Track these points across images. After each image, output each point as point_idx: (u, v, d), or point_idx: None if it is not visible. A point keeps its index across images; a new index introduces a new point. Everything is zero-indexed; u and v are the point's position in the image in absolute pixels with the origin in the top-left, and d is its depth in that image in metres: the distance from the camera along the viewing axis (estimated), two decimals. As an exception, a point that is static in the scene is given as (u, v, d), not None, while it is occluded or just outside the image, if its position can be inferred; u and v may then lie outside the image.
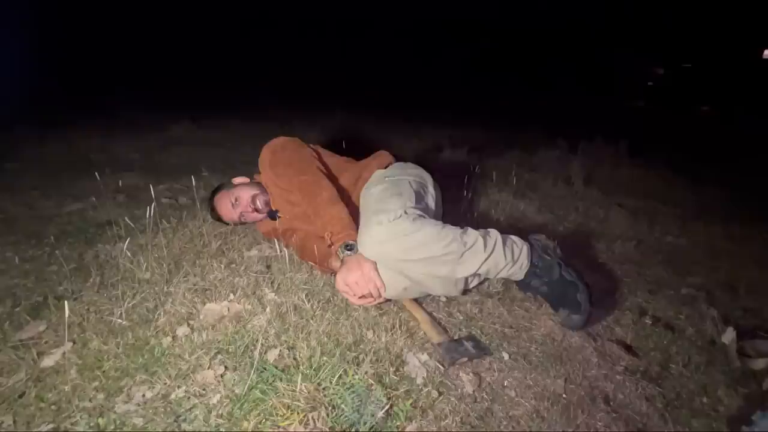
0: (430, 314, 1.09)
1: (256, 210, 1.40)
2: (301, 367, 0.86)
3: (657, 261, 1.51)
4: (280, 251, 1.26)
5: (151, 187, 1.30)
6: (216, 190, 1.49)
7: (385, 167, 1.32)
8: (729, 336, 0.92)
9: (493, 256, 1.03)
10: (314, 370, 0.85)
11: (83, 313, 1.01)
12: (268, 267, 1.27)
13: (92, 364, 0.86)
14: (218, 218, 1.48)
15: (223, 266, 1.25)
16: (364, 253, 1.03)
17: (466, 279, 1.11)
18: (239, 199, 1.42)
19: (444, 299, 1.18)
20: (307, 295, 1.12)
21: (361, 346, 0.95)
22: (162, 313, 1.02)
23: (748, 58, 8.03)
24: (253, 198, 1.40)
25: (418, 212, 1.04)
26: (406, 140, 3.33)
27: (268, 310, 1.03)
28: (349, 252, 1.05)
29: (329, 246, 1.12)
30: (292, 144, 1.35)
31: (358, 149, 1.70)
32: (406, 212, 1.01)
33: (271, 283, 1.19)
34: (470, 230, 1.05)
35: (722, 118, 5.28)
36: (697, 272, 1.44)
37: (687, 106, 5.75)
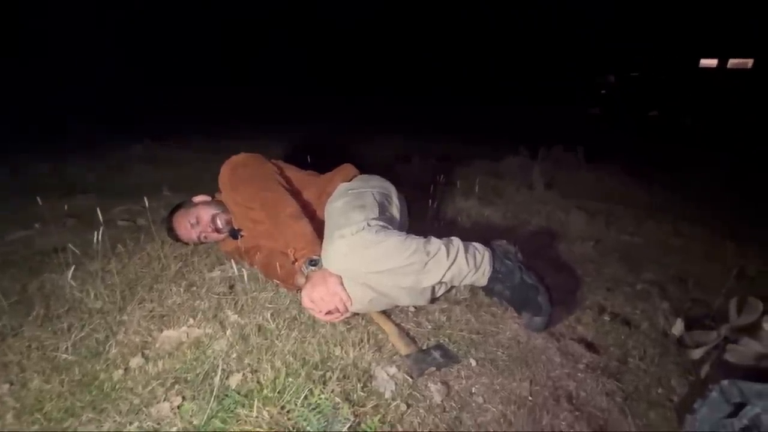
0: (398, 325, 1.08)
1: (217, 230, 1.36)
2: (264, 391, 0.83)
3: (614, 259, 1.58)
4: (240, 271, 1.22)
5: (98, 210, 1.23)
6: (174, 210, 1.43)
7: (350, 180, 1.32)
8: (678, 327, 0.97)
9: (456, 263, 1.05)
10: (278, 392, 0.82)
11: (23, 350, 0.93)
12: (231, 287, 1.23)
13: (32, 406, 0.79)
14: (176, 238, 1.41)
15: (182, 290, 1.19)
16: (329, 267, 1.01)
17: (433, 288, 1.12)
18: (199, 219, 1.37)
19: (413, 309, 1.18)
20: (272, 315, 1.09)
21: (329, 364, 0.93)
22: (113, 344, 0.96)
23: (688, 67, 8.77)
24: (213, 217, 1.36)
25: (381, 224, 1.04)
26: (373, 151, 3.35)
27: (228, 332, 0.99)
28: (313, 267, 1.04)
29: (293, 262, 1.10)
30: (253, 160, 1.33)
31: (323, 163, 1.69)
32: (368, 224, 1.01)
33: (234, 304, 1.14)
34: (433, 239, 1.06)
35: (669, 122, 5.69)
36: (650, 268, 1.52)
37: (637, 112, 6.16)
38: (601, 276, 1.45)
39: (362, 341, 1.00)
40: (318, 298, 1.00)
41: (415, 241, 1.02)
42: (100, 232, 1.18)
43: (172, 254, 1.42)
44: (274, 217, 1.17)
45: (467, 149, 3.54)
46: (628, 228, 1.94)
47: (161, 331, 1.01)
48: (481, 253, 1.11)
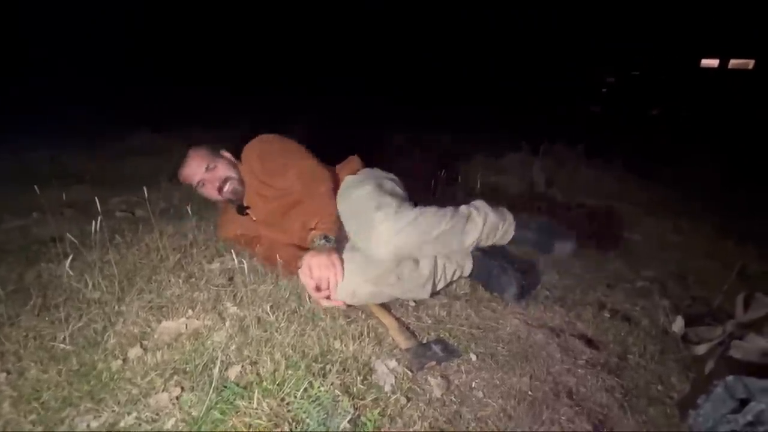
0: (398, 319, 1.08)
1: (220, 190, 1.33)
2: (264, 383, 0.83)
3: (614, 256, 1.58)
4: (240, 263, 1.21)
5: (97, 200, 1.22)
6: (200, 147, 1.41)
7: (355, 173, 1.34)
8: (678, 324, 0.97)
9: (488, 219, 1.16)
10: (278, 384, 0.82)
11: (20, 339, 0.92)
12: (231, 279, 1.22)
13: (29, 396, 0.79)
14: (180, 169, 1.38)
15: (181, 281, 1.18)
16: (378, 250, 1.07)
17: (434, 281, 1.13)
18: (215, 169, 1.33)
19: (413, 303, 1.18)
20: (271, 307, 1.08)
21: (328, 357, 0.92)
22: (111, 334, 0.95)
23: (689, 67, 8.75)
24: (226, 179, 1.33)
25: (409, 203, 1.16)
26: (375, 146, 3.34)
27: (228, 324, 0.98)
28: (324, 242, 1.09)
29: (311, 229, 1.12)
30: (285, 138, 1.38)
31: (325, 156, 1.68)
32: (402, 204, 1.12)
33: (234, 296, 1.14)
34: (459, 207, 1.18)
35: (669, 120, 5.68)
36: (650, 265, 1.52)
37: (638, 110, 6.16)
38: (601, 273, 1.45)
39: (362, 335, 1.00)
40: (315, 264, 1.04)
41: (448, 209, 1.13)
42: (98, 222, 1.17)
43: (171, 246, 1.41)
44: (309, 186, 1.21)
45: (468, 145, 3.53)
46: (628, 224, 1.94)
47: (160, 322, 1.00)
48: (501, 208, 1.23)
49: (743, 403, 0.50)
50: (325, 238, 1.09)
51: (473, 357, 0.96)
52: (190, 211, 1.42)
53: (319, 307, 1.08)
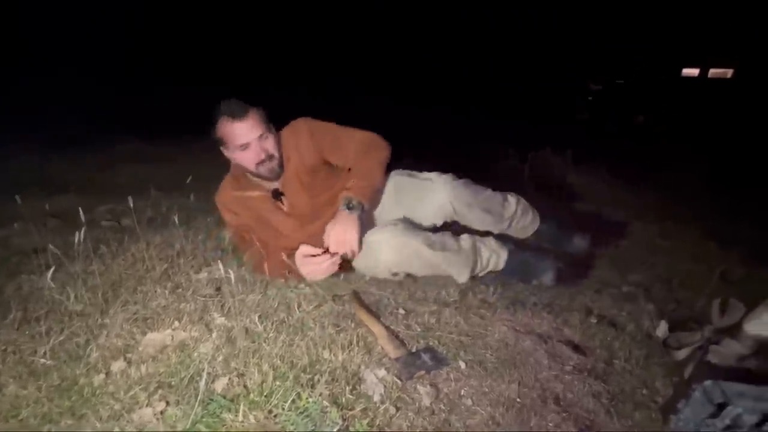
0: (387, 328, 1.08)
1: (257, 164, 1.22)
2: (251, 395, 0.82)
3: (602, 261, 1.61)
4: (228, 273, 1.20)
5: (80, 209, 1.20)
6: (258, 109, 1.24)
7: None
8: (662, 329, 0.98)
9: (521, 203, 1.35)
10: (265, 396, 0.81)
11: (-1, 354, 0.90)
12: (218, 289, 1.21)
13: (7, 413, 0.76)
14: (224, 117, 1.20)
15: (167, 292, 1.17)
16: (440, 198, 1.24)
17: (473, 264, 1.25)
18: (266, 140, 1.21)
19: (402, 312, 1.18)
20: (260, 317, 1.07)
21: (317, 367, 0.92)
22: (94, 347, 0.93)
23: (672, 76, 9.01)
24: (272, 156, 1.22)
25: None
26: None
27: (215, 335, 0.97)
28: (349, 209, 1.16)
29: (348, 189, 1.19)
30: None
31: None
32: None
33: (221, 306, 1.13)
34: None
35: (654, 127, 5.83)
36: (637, 270, 1.55)
37: (623, 117, 6.30)
38: (589, 278, 1.47)
39: (351, 344, 1.00)
40: (340, 229, 1.15)
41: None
42: (82, 232, 1.15)
43: (158, 256, 1.39)
44: (362, 153, 1.23)
45: (456, 151, 3.56)
46: (616, 229, 1.97)
47: (145, 334, 0.98)
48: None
49: (721, 407, 0.51)
50: (349, 204, 1.15)
51: (462, 365, 0.97)
52: (177, 221, 1.40)
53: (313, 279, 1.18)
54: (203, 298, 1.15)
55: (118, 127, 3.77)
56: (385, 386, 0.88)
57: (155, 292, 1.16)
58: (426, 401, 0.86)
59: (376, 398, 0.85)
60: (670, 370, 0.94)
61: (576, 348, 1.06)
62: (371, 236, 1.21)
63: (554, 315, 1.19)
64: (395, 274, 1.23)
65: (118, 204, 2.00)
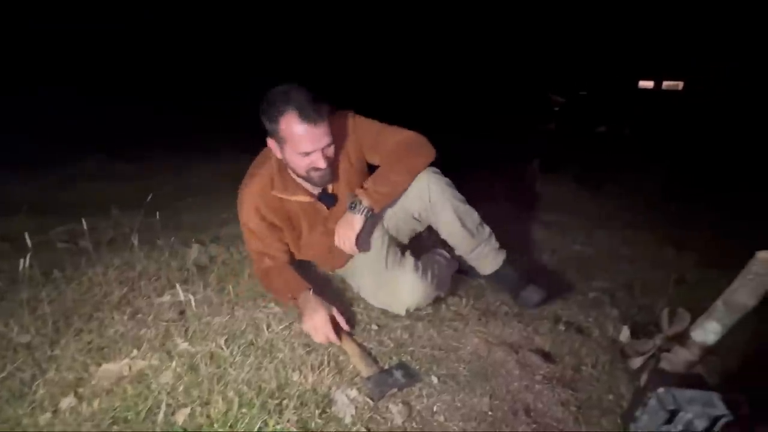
0: (360, 345, 1.06)
1: (312, 170, 1.07)
2: (215, 425, 0.78)
3: (568, 268, 1.66)
4: (193, 295, 1.16)
5: (26, 233, 1.13)
6: (324, 107, 1.04)
7: None
8: (624, 334, 1.02)
9: (493, 236, 1.28)
10: (230, 426, 0.77)
11: (-71, 397, 0.82)
12: (182, 313, 1.15)
13: (-65, 464, 0.69)
14: (296, 112, 0.99)
15: (126, 318, 1.10)
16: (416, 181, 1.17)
17: (474, 229, 1.23)
18: (330, 148, 1.06)
19: (375, 327, 1.17)
20: (226, 341, 1.03)
21: (286, 391, 0.89)
22: (41, 383, 0.86)
23: (629, 87, 9.61)
24: (332, 161, 1.10)
25: None
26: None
27: (176, 363, 0.92)
28: (353, 207, 1.11)
29: (361, 187, 1.13)
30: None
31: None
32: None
33: (185, 330, 1.08)
34: None
35: (614, 137, 6.16)
36: (601, 276, 1.60)
37: (587, 127, 6.63)
38: (556, 285, 1.51)
39: (322, 364, 0.97)
40: (340, 229, 1.13)
41: None
42: (27, 257, 1.07)
43: (117, 279, 1.32)
44: (399, 156, 1.14)
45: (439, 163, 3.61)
46: (581, 238, 2.05)
47: (99, 365, 0.92)
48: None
49: (674, 413, 0.53)
50: (353, 205, 1.10)
51: (435, 380, 0.96)
52: (137, 241, 1.34)
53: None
54: (165, 323, 1.09)
55: (77, 145, 3.59)
56: (356, 407, 0.86)
57: (112, 318, 1.09)
58: (398, 420, 0.84)
59: (347, 420, 0.83)
60: (634, 374, 0.97)
61: (546, 356, 1.08)
62: (400, 274, 1.17)
63: (525, 324, 1.22)
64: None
65: (75, 224, 1.89)
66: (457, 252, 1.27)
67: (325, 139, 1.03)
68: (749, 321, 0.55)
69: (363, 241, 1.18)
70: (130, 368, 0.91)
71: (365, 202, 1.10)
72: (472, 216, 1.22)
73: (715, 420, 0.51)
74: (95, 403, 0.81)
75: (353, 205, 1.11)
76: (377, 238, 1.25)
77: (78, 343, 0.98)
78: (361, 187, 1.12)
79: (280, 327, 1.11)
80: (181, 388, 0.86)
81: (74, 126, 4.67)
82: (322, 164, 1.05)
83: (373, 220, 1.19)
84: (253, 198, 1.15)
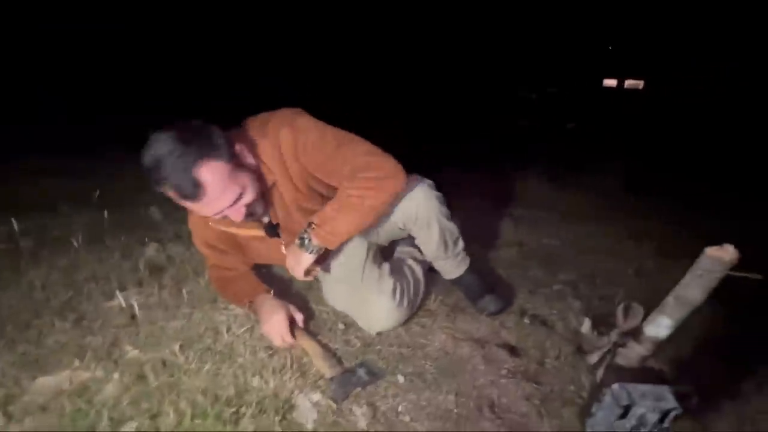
0: (324, 345, 1.03)
1: (241, 216, 0.93)
2: (164, 439, 0.73)
3: (535, 262, 1.69)
4: (148, 298, 1.08)
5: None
6: (217, 151, 0.83)
7: None
8: (586, 326, 1.05)
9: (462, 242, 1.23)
10: (180, 439, 0.72)
11: None
12: (133, 318, 1.08)
13: None
14: (154, 183, 0.82)
15: (69, 325, 1.02)
16: (407, 199, 1.08)
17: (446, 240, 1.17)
18: (244, 194, 0.89)
19: (342, 326, 1.14)
20: (181, 346, 0.97)
21: (245, 397, 0.84)
22: (-36, 402, 0.77)
23: (594, 86, 9.99)
24: (253, 202, 0.92)
25: None
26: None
27: (116, 375, 0.85)
28: (300, 244, 0.95)
29: (316, 225, 0.93)
30: (319, 121, 0.97)
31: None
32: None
33: (136, 336, 1.00)
34: None
35: (582, 133, 6.39)
36: (566, 269, 1.64)
37: (556, 123, 6.83)
38: (524, 279, 1.53)
39: (284, 368, 0.93)
40: (291, 260, 0.99)
41: None
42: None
43: (62, 282, 1.22)
44: (365, 195, 0.90)
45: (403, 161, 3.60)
46: (548, 231, 2.10)
47: (35, 378, 0.84)
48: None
49: (627, 408, 0.54)
50: (303, 242, 0.93)
51: (401, 379, 0.95)
52: (76, 242, 1.23)
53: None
54: (114, 329, 1.02)
55: (19, 138, 3.31)
56: (319, 411, 0.83)
57: (53, 326, 1.00)
58: (362, 423, 0.82)
59: (309, 426, 0.80)
60: (595, 364, 1.00)
61: (512, 350, 1.09)
62: (377, 299, 1.08)
63: (492, 318, 1.22)
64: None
65: (19, 223, 1.73)
66: (425, 256, 1.24)
67: (228, 197, 0.86)
68: (699, 313, 0.57)
69: (326, 263, 1.11)
70: (70, 381, 0.84)
71: (315, 242, 0.93)
72: (453, 233, 1.18)
73: (665, 413, 0.52)
74: (27, 422, 0.74)
75: (302, 242, 0.94)
76: (356, 246, 1.13)
77: (10, 355, 0.89)
78: (312, 223, 0.93)
79: (242, 330, 1.06)
80: (127, 401, 0.79)
81: (13, 119, 4.30)
82: (237, 216, 0.90)
83: None
84: (197, 228, 1.10)
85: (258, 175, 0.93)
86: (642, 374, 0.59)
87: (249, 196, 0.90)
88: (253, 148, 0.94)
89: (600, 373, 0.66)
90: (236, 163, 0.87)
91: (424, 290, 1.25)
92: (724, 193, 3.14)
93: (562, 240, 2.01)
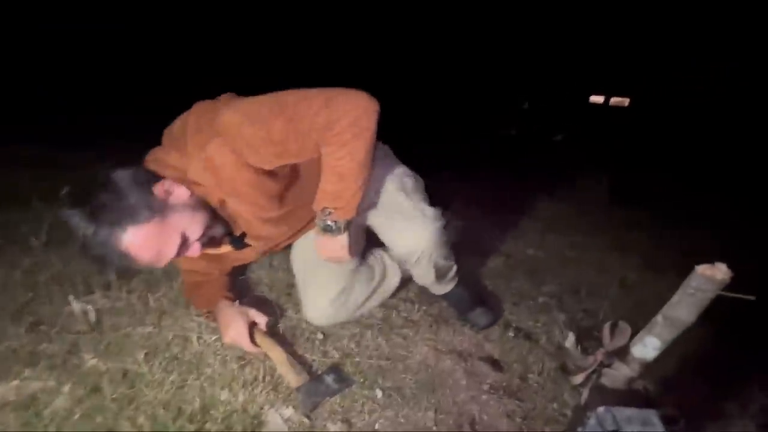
0: (288, 352, 0.96)
1: (213, 244, 0.89)
2: (118, 458, 0.67)
3: (520, 273, 1.67)
4: (114, 302, 1.02)
5: None
6: (106, 215, 0.71)
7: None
8: (570, 340, 1.03)
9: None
10: (135, 459, 0.66)
11: None
12: (97, 323, 1.01)
13: None
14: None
15: (23, 330, 0.95)
16: (415, 236, 1.02)
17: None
18: (187, 233, 0.79)
19: (320, 336, 1.09)
20: (146, 355, 0.91)
21: (211, 412, 0.79)
22: None
23: (581, 101, 10.25)
24: (208, 228, 0.84)
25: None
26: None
27: (69, 386, 0.79)
28: (325, 231, 0.88)
29: (321, 203, 0.85)
30: (253, 102, 0.81)
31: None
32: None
33: (97, 344, 0.94)
34: None
35: (569, 145, 6.50)
36: (550, 281, 1.63)
37: (545, 135, 6.94)
38: (508, 291, 1.51)
39: (256, 380, 0.88)
40: (329, 254, 0.94)
41: None
42: None
43: (22, 283, 1.14)
44: (333, 146, 0.79)
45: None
46: (533, 242, 2.09)
47: (-22, 389, 0.77)
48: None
49: (613, 433, 0.51)
50: (326, 227, 0.86)
51: (379, 393, 0.90)
52: (36, 241, 1.16)
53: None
54: (74, 335, 0.95)
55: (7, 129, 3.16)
56: (290, 427, 0.78)
57: (5, 332, 0.93)
58: (336, 441, 0.78)
59: (279, 444, 0.75)
60: (575, 389, 0.97)
61: (494, 364, 1.06)
62: (312, 294, 1.08)
63: (475, 330, 1.19)
64: None
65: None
66: (417, 282, 1.22)
67: (170, 248, 0.77)
68: (689, 334, 0.55)
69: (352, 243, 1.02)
70: (17, 392, 0.77)
71: (340, 221, 0.86)
72: (449, 269, 1.18)
73: (651, 438, 0.50)
74: (-37, 438, 0.67)
75: (328, 228, 0.87)
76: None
77: (-47, 363, 0.82)
78: (326, 208, 0.85)
79: (213, 338, 1.00)
80: (78, 414, 0.73)
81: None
82: (194, 253, 0.83)
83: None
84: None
85: (198, 205, 0.82)
86: (628, 396, 0.57)
87: (195, 233, 0.80)
88: (181, 175, 0.80)
89: (585, 394, 0.63)
90: (164, 209, 0.76)
91: (391, 291, 1.23)
92: (710, 205, 3.20)
93: (546, 251, 2.00)
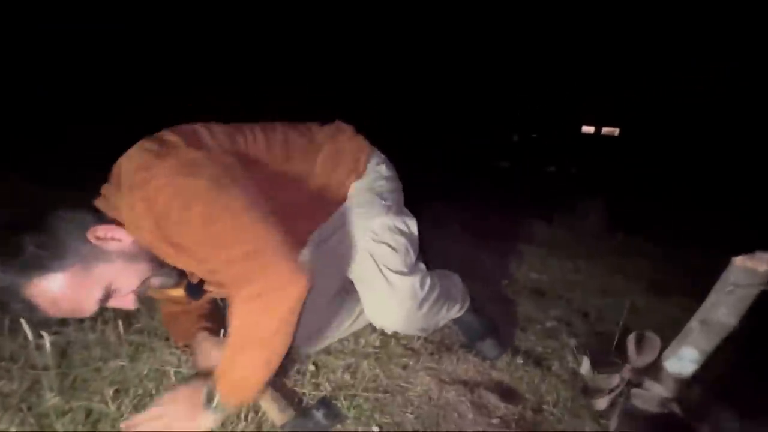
0: (281, 385, 0.87)
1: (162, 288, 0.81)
2: None
3: (525, 298, 1.59)
4: (84, 336, 0.93)
5: None
6: (16, 263, 0.64)
7: (361, 175, 0.98)
8: (585, 366, 0.94)
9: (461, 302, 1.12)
10: None
11: None
12: (63, 357, 0.92)
13: None
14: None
15: (-19, 366, 0.85)
16: (383, 313, 0.94)
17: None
18: (114, 284, 0.71)
19: (312, 368, 0.99)
20: (116, 392, 0.82)
21: (183, 457, 0.69)
22: None
23: (573, 131, 10.57)
24: (148, 279, 0.75)
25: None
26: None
27: (19, 428, 0.69)
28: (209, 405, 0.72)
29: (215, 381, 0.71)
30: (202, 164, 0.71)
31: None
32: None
33: (62, 380, 0.84)
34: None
35: (563, 175, 6.59)
36: (557, 305, 1.55)
37: (537, 167, 7.06)
38: (514, 315, 1.43)
39: (238, 417, 0.78)
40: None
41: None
42: None
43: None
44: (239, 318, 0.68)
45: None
46: (536, 266, 2.03)
47: None
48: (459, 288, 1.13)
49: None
50: (208, 395, 0.71)
51: (376, 430, 0.80)
52: None
53: None
54: (36, 372, 0.86)
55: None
56: (274, 474, 0.68)
57: (-41, 367, 0.84)
58: (326, 489, 0.67)
59: (260, 494, 0.64)
60: (600, 415, 0.88)
61: (503, 395, 0.96)
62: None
63: (481, 357, 1.10)
64: None
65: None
66: None
67: (91, 299, 0.69)
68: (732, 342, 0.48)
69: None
70: (-38, 438, 0.67)
71: (223, 401, 0.71)
72: (442, 319, 1.08)
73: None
74: None
75: (207, 399, 0.71)
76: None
77: None
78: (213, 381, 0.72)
79: (194, 371, 0.91)
80: (27, 464, 0.63)
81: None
82: (129, 305, 0.75)
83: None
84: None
85: (140, 254, 0.73)
86: (663, 421, 0.49)
87: (127, 285, 0.71)
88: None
89: (613, 422, 0.54)
90: (88, 257, 0.67)
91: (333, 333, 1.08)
92: (707, 225, 3.18)
93: (550, 276, 1.93)
